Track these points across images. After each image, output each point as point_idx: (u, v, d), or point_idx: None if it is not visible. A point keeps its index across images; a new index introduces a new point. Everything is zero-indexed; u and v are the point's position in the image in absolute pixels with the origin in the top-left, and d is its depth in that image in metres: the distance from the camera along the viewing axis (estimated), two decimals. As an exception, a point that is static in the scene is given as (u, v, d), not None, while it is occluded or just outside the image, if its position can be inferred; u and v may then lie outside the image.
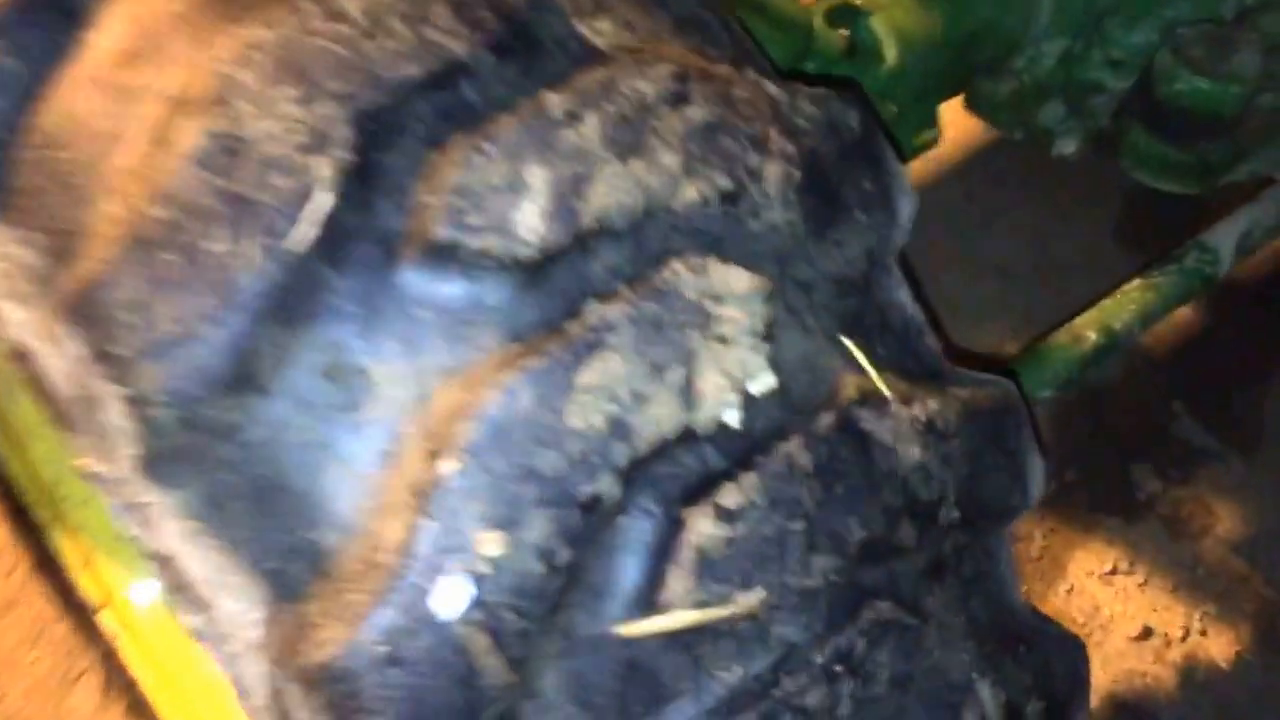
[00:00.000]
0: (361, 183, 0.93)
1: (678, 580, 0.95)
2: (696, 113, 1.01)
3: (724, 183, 1.00)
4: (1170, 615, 2.60)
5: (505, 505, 0.91)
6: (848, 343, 1.03)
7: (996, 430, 1.11)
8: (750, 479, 0.97)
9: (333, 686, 0.90)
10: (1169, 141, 1.83)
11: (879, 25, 1.80)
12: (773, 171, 1.02)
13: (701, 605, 0.95)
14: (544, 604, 0.92)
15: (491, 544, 0.90)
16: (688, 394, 0.96)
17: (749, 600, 0.96)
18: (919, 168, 3.23)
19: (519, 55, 1.01)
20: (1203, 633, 2.58)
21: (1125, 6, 1.90)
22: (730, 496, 0.96)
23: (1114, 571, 2.66)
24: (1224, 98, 1.78)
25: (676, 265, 0.98)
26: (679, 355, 0.96)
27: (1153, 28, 1.89)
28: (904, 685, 1.04)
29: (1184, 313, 3.01)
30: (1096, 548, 2.69)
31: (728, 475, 0.97)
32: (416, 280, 0.94)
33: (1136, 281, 1.96)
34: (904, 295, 1.13)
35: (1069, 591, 2.63)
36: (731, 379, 0.97)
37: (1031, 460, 1.14)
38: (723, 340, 0.97)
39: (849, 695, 1.01)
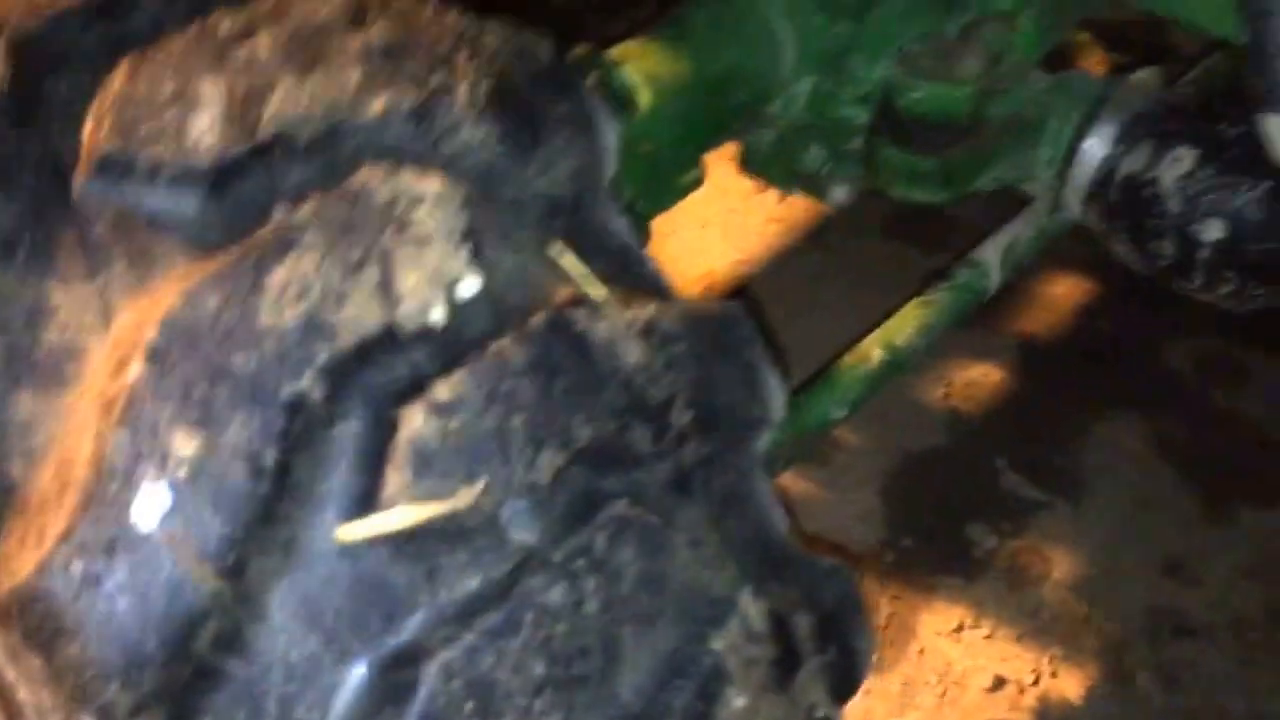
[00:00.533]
0: (23, 108, 0.92)
1: (395, 480, 0.93)
2: (376, 34, 1.03)
3: (410, 99, 1.01)
4: (1020, 663, 2.61)
5: (200, 407, 0.88)
6: (556, 248, 1.04)
7: (725, 339, 1.10)
8: (462, 374, 0.95)
9: (28, 612, 0.85)
10: (915, 151, 1.91)
11: (632, 72, 1.86)
12: (462, 90, 1.03)
13: (422, 501, 0.92)
14: (253, 509, 0.89)
15: (186, 445, 0.87)
16: (387, 292, 0.94)
17: (472, 492, 0.93)
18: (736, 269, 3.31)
19: None
20: (1053, 675, 2.59)
21: (865, 41, 1.99)
22: (442, 391, 0.94)
23: (960, 628, 2.68)
24: (954, 99, 1.87)
25: (367, 172, 0.98)
26: (374, 255, 0.95)
27: (893, 60, 1.98)
28: (655, 586, 1.01)
29: (998, 378, 3.11)
30: (941, 607, 2.70)
31: (439, 375, 0.95)
32: (90, 197, 0.92)
33: (914, 300, 2.02)
34: (621, 225, 1.13)
35: (920, 653, 2.63)
36: (432, 278, 0.96)
37: (767, 373, 1.13)
38: (419, 241, 0.97)
39: (594, 593, 0.98)
